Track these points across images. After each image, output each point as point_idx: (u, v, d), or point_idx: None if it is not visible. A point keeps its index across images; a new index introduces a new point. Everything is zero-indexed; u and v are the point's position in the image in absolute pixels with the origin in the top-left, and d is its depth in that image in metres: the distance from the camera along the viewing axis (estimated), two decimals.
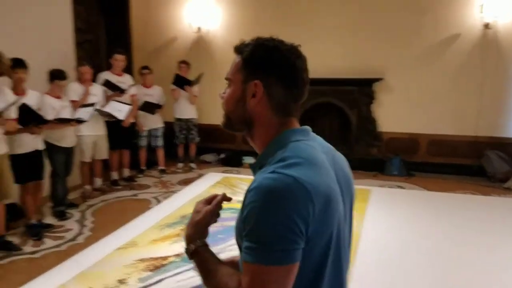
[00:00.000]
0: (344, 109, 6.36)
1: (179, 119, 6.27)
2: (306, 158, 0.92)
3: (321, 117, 6.63)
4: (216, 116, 6.86)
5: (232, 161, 6.61)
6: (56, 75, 4.22)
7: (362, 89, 6.22)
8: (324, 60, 6.26)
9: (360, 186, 5.30)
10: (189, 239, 1.05)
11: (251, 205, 0.87)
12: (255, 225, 0.85)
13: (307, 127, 1.06)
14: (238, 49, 1.06)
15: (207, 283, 0.98)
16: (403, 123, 6.21)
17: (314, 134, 1.07)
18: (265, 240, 0.84)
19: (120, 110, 5.06)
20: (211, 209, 1.07)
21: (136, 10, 6.75)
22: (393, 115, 6.22)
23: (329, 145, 1.09)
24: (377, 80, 6.05)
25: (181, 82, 6.02)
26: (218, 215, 1.10)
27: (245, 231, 0.87)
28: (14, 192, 3.77)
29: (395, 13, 5.96)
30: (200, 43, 6.88)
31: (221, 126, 1.11)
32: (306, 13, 6.32)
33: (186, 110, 6.24)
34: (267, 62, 1.00)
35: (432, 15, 5.86)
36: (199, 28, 6.78)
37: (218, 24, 6.74)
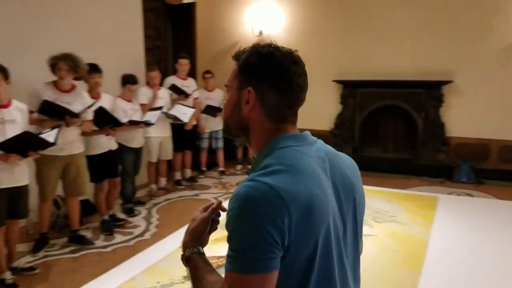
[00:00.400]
0: (410, 112, 6.13)
1: None
2: (289, 165, 0.91)
3: (386, 120, 6.45)
4: None
5: None
6: (128, 80, 4.46)
7: (430, 92, 5.96)
8: (389, 62, 6.09)
9: (426, 193, 5.09)
10: (184, 246, 1.07)
11: (229, 212, 0.88)
12: (231, 232, 0.87)
13: (305, 132, 1.04)
14: (236, 56, 1.06)
15: None
16: (473, 127, 5.86)
17: (313, 139, 1.05)
18: (239, 248, 0.85)
19: (185, 113, 5.24)
20: (206, 216, 1.09)
21: (200, 16, 6.96)
22: (462, 119, 5.90)
23: (329, 149, 1.06)
24: (447, 82, 5.77)
25: None
26: (217, 222, 1.11)
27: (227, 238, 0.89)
28: (88, 190, 4.03)
29: (465, 13, 5.66)
30: None
31: (222, 133, 1.13)
32: (371, 14, 6.18)
33: None
34: (259, 69, 1.00)
35: (504, 15, 5.50)
36: (260, 32, 6.85)
37: (281, 28, 6.78)
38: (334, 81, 6.47)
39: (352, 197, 1.02)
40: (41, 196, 3.61)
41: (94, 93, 4.03)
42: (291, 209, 0.85)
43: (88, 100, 3.75)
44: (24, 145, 3.02)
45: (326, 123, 6.67)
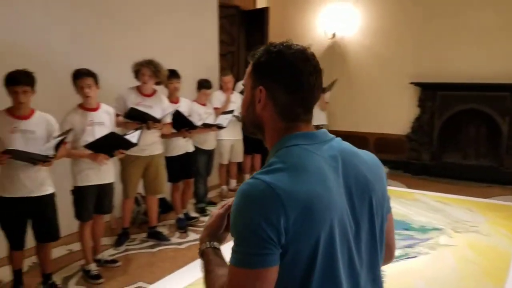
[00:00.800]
0: (493, 116, 5.71)
1: None
2: (291, 163, 0.92)
3: (467, 125, 6.09)
4: (347, 122, 6.86)
5: None
6: (203, 84, 4.64)
7: None
8: (471, 63, 5.74)
9: (510, 203, 4.71)
10: (200, 241, 1.11)
11: (232, 208, 0.91)
12: (232, 227, 0.90)
13: (320, 130, 1.03)
14: (251, 56, 1.06)
15: (204, 283, 1.01)
16: None
17: (328, 137, 1.02)
18: (238, 242, 0.87)
19: None
20: (221, 213, 1.12)
21: (273, 21, 7.05)
22: None
23: (346, 147, 1.03)
24: None
25: None
26: None
27: None
28: (165, 189, 4.24)
29: None
30: (335, 49, 6.88)
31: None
32: (450, 14, 5.86)
33: (316, 116, 6.24)
34: (269, 68, 1.00)
35: None
36: (333, 35, 6.79)
37: (355, 30, 6.66)
38: (411, 83, 6.22)
39: (368, 197, 1.00)
40: (125, 193, 3.87)
41: (173, 98, 4.25)
42: (287, 208, 0.85)
43: (167, 104, 3.96)
44: (110, 145, 3.26)
45: (402, 127, 6.43)
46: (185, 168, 4.39)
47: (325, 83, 6.08)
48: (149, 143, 3.77)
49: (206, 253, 1.07)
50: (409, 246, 3.55)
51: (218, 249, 1.09)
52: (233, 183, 5.66)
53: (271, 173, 0.90)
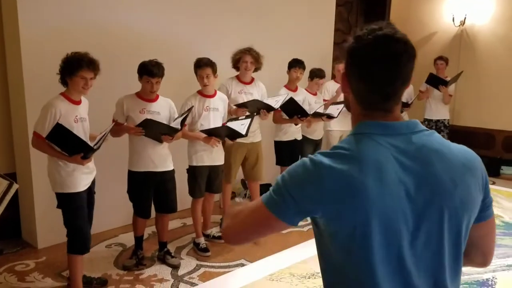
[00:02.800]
0: None
1: (428, 120, 5.94)
2: (350, 150, 0.94)
3: None
4: (472, 118, 6.30)
5: (488, 170, 5.83)
6: (316, 74, 4.64)
7: None
8: None
9: None
10: None
11: (292, 165, 1.00)
12: (280, 176, 1.00)
13: (403, 122, 0.99)
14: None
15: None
16: None
17: (411, 129, 0.98)
18: (274, 188, 0.98)
19: None
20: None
21: (395, 7, 6.70)
22: None
23: (431, 143, 0.97)
24: None
25: (436, 81, 5.67)
26: None
27: None
28: (266, 175, 4.33)
29: None
30: (463, 38, 6.30)
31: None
32: None
33: (438, 110, 5.86)
34: (350, 53, 0.99)
35: None
36: (462, 22, 6.21)
37: (488, 17, 6.01)
38: None
39: (438, 201, 0.94)
40: (227, 177, 3.99)
41: (292, 86, 4.38)
42: (326, 186, 0.91)
43: (264, 89, 4.06)
44: (221, 133, 3.50)
45: None
46: (292, 154, 4.48)
47: (451, 75, 5.64)
48: (252, 130, 3.87)
49: None
50: None
51: None
52: None
53: (328, 155, 0.95)
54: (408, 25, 6.80)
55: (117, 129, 3.08)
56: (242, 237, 1.08)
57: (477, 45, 6.19)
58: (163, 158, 3.24)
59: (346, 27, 6.32)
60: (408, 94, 5.75)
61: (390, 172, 0.92)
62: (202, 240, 3.66)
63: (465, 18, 6.21)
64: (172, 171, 3.33)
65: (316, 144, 4.89)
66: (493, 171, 5.80)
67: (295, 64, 4.25)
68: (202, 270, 3.34)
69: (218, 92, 3.61)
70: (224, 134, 3.53)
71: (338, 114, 4.75)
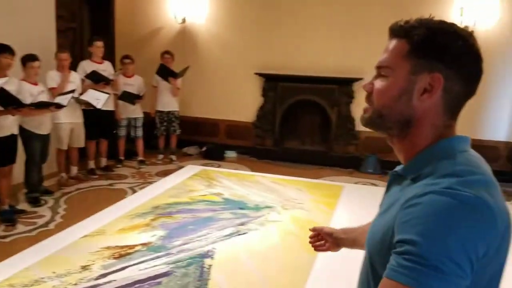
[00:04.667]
0: (325, 107, 6.43)
1: (161, 111, 6.29)
2: (483, 174, 0.79)
3: (304, 114, 6.71)
4: (198, 109, 7.00)
5: (214, 155, 6.64)
6: (27, 58, 4.22)
7: (342, 88, 6.29)
8: (307, 58, 6.33)
9: (332, 182, 5.40)
10: None
11: (418, 221, 0.73)
12: (423, 244, 0.70)
13: (467, 136, 0.88)
14: (402, 31, 0.86)
15: None
16: None
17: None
18: (433, 264, 0.69)
19: (98, 99, 5.08)
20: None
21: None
22: None
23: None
24: (357, 80, 6.11)
25: (166, 73, 6.03)
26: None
27: (399, 247, 0.73)
28: None
29: (371, 12, 5.94)
30: (186, 34, 6.89)
31: (364, 122, 0.94)
32: (291, 11, 6.36)
33: (168, 102, 6.26)
34: (448, 51, 0.82)
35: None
36: (184, 20, 6.79)
37: (204, 17, 6.75)
38: (256, 73, 6.60)
39: None
40: None
41: (1, 74, 3.86)
42: (498, 226, 0.74)
43: None
44: None
45: (249, 115, 6.80)
46: (9, 152, 3.99)
47: (178, 69, 6.09)
48: None
49: None
50: (242, 224, 3.81)
51: None
52: (74, 170, 5.30)
53: (473, 186, 0.74)
54: (134, 17, 6.99)
55: None
56: None
57: (196, 41, 6.88)
58: None
59: (70, 14, 5.98)
60: (139, 86, 5.94)
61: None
62: None
63: (185, 17, 6.80)
64: None
65: (45, 139, 4.50)
66: (218, 155, 6.62)
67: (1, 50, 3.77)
68: None
69: None
70: None
71: (68, 103, 4.49)
